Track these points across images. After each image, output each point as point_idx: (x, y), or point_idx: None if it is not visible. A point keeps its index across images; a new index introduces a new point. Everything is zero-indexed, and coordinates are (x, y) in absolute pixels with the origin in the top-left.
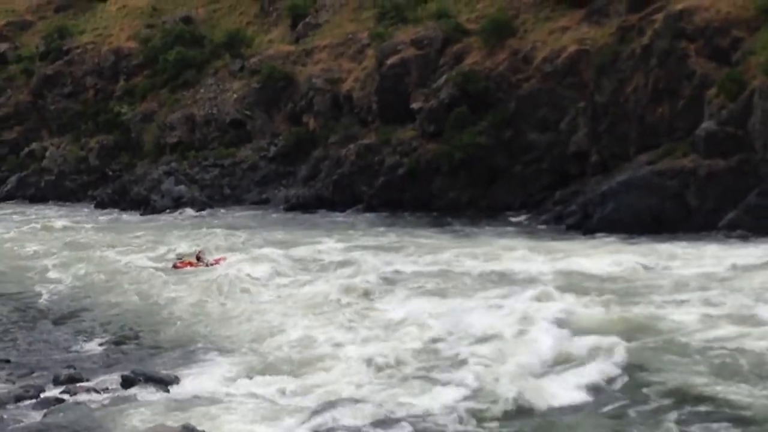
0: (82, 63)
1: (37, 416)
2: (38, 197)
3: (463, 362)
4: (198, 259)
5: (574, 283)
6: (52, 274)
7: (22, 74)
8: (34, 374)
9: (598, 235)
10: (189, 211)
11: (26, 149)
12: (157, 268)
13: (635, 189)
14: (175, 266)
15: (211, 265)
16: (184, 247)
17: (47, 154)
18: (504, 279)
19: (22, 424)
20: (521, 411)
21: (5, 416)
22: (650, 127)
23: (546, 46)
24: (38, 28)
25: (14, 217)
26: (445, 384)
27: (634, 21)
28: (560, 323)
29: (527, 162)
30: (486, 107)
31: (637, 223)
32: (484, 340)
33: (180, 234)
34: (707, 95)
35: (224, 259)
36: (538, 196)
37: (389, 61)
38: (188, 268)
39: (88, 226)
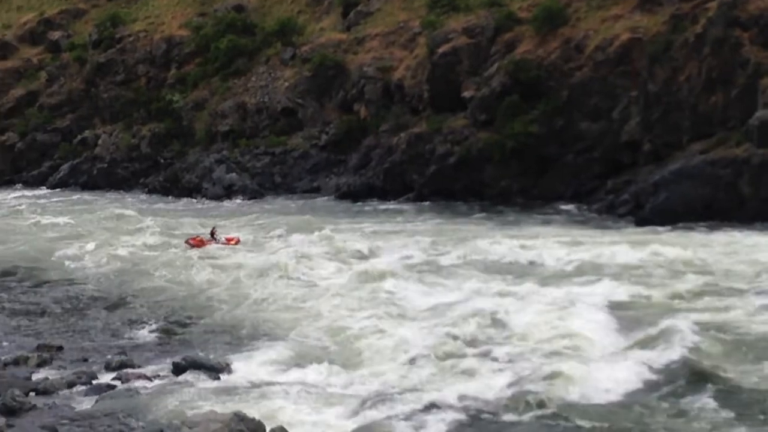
0: (134, 51)
1: (89, 402)
2: (90, 185)
3: (513, 349)
4: (212, 235)
5: (625, 272)
6: (101, 261)
7: (75, 62)
8: (87, 361)
9: (651, 224)
10: (239, 199)
11: (79, 137)
12: (202, 256)
13: (688, 178)
14: (187, 242)
15: (224, 243)
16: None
17: (99, 141)
18: (555, 267)
19: (74, 410)
20: (572, 399)
21: (58, 402)
22: (703, 116)
23: (598, 34)
24: (91, 16)
25: (66, 204)
26: (494, 371)
27: (687, 9)
28: (613, 311)
29: (579, 151)
30: (538, 96)
31: (690, 213)
32: (535, 327)
33: (228, 220)
34: (761, 84)
35: (238, 239)
36: (589, 186)
37: (441, 50)
38: (204, 246)
39: (138, 213)
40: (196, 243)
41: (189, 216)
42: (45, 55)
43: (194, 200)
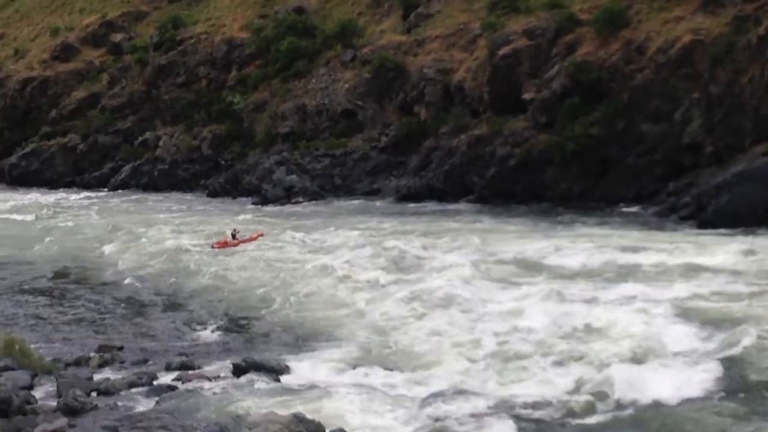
0: (195, 53)
1: (149, 403)
2: (151, 186)
3: (577, 351)
4: (233, 236)
5: (688, 274)
6: (156, 261)
7: (137, 64)
8: (147, 361)
9: (713, 227)
10: (300, 201)
11: (140, 138)
12: (254, 256)
13: (750, 181)
14: (212, 246)
15: (246, 242)
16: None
17: (160, 143)
18: (618, 269)
19: (135, 411)
20: (633, 404)
21: (119, 403)
22: (766, 118)
23: (660, 36)
24: (153, 18)
25: (124, 205)
26: (554, 375)
27: (750, 11)
28: (678, 314)
29: (640, 153)
30: (599, 98)
31: (752, 215)
32: (595, 330)
33: (287, 222)
34: None
35: (262, 234)
36: (650, 188)
37: (501, 52)
38: (229, 247)
39: (195, 214)
40: (221, 245)
41: (246, 216)
42: (107, 57)
43: (253, 202)
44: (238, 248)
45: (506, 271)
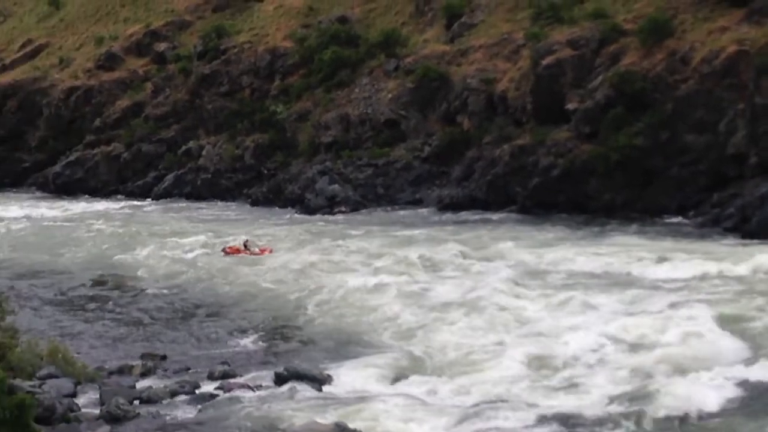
0: (238, 62)
1: (192, 411)
2: (194, 195)
3: (615, 363)
4: (245, 246)
5: (732, 286)
6: (197, 270)
7: (180, 73)
8: (189, 370)
9: (757, 237)
10: (342, 210)
11: (183, 147)
12: (293, 265)
13: None
14: (224, 251)
15: (256, 254)
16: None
17: (204, 152)
18: (661, 280)
19: (177, 419)
20: (677, 415)
21: (161, 411)
22: None
23: (704, 46)
24: (196, 27)
25: (166, 214)
26: (597, 386)
27: None
28: (721, 326)
29: (684, 164)
30: (642, 108)
31: None
32: (638, 342)
33: (327, 231)
34: None
35: (270, 250)
36: (695, 199)
37: (545, 62)
38: (239, 254)
39: (235, 223)
40: (233, 251)
41: (286, 225)
42: (151, 67)
43: (296, 211)
44: (273, 255)
45: (548, 280)
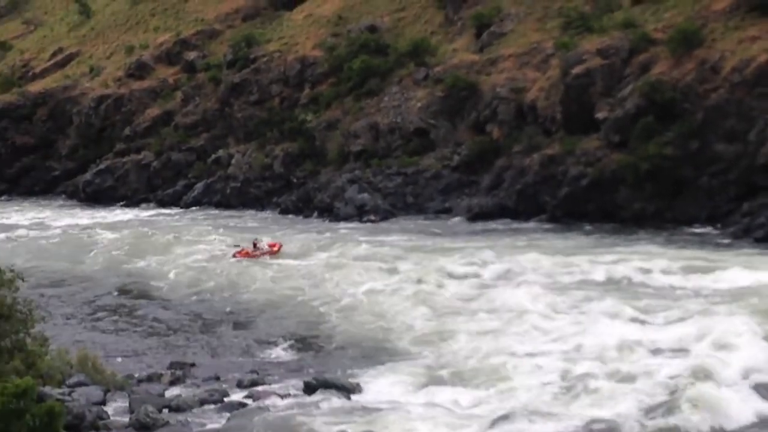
0: (268, 71)
1: (221, 420)
2: (224, 203)
3: (646, 373)
4: (254, 246)
5: (762, 296)
6: (224, 279)
7: (210, 82)
8: (218, 378)
9: None
10: (372, 219)
11: (213, 156)
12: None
13: None
14: (234, 256)
15: (265, 253)
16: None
17: (233, 161)
18: (692, 290)
19: (206, 428)
20: (709, 428)
21: (190, 419)
22: None
23: (735, 55)
24: (226, 36)
25: (195, 222)
26: (626, 396)
27: None
28: (752, 337)
29: (714, 173)
30: (672, 118)
31: None
32: (669, 352)
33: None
34: None
35: (280, 244)
36: (725, 208)
37: (574, 71)
38: (250, 256)
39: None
40: (243, 255)
41: (315, 234)
42: (181, 75)
43: (324, 220)
44: (297, 264)
45: (576, 289)
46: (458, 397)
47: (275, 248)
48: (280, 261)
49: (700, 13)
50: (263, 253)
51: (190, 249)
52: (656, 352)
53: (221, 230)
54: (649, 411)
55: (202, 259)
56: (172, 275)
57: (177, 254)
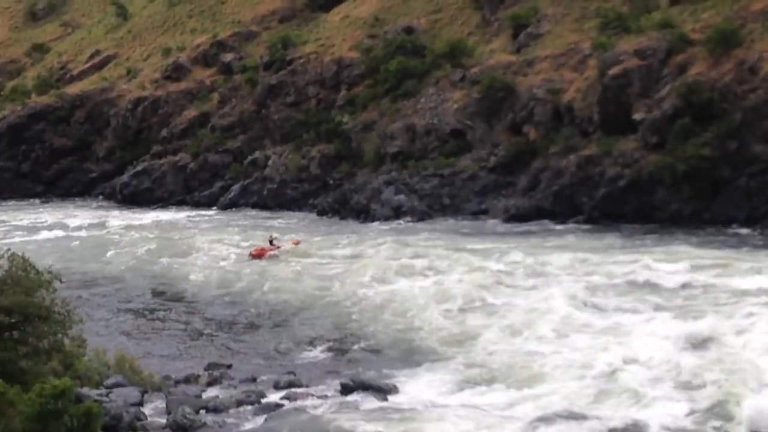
0: (304, 73)
1: (258, 421)
2: (260, 205)
3: (687, 375)
4: (270, 243)
5: None
6: (258, 280)
7: (247, 84)
8: (255, 380)
9: None
10: (408, 220)
11: (249, 157)
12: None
13: None
14: (251, 255)
15: (281, 247)
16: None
17: (270, 162)
18: (732, 292)
19: (243, 429)
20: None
21: (227, 420)
22: None
23: None
24: (263, 38)
25: (228, 224)
26: (666, 397)
27: None
28: None
29: (752, 174)
30: (710, 118)
31: None
32: (711, 353)
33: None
34: None
35: (299, 241)
36: (763, 209)
37: (611, 72)
38: (266, 254)
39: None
40: (258, 253)
41: (350, 235)
42: (217, 77)
43: (360, 221)
44: (330, 264)
45: (615, 291)
46: (494, 398)
47: (292, 243)
48: (311, 261)
49: (738, 13)
50: (278, 248)
51: (223, 250)
52: (692, 352)
53: (257, 231)
54: (692, 413)
55: (235, 260)
56: (205, 276)
57: (211, 255)
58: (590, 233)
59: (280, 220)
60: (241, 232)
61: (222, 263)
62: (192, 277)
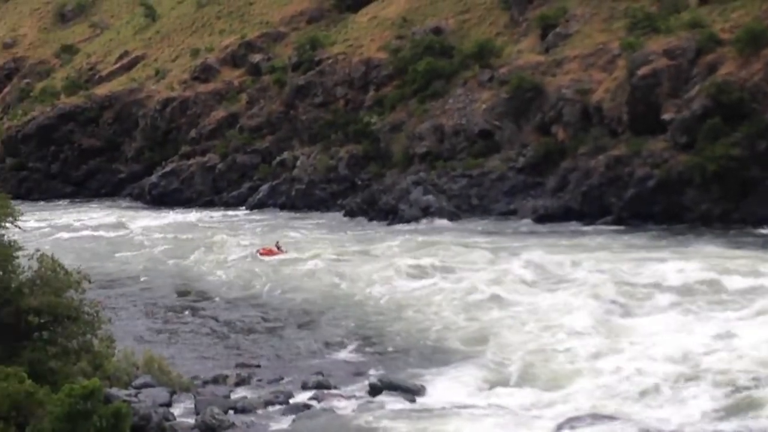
0: (333, 73)
1: (286, 422)
2: (288, 205)
3: (719, 376)
4: (277, 247)
5: None
6: (281, 280)
7: (275, 84)
8: (283, 380)
9: None
10: (436, 221)
11: (278, 158)
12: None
13: None
14: (260, 253)
15: (286, 252)
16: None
17: (298, 163)
18: (760, 293)
19: (271, 429)
20: None
21: (255, 421)
22: None
23: None
24: (291, 39)
25: (256, 224)
26: (697, 398)
27: None
28: None
29: None
30: (740, 118)
31: None
32: (742, 354)
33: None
34: None
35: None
36: None
37: (640, 72)
38: (274, 255)
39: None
40: (266, 252)
41: (378, 235)
42: (245, 78)
43: (388, 222)
44: (357, 266)
45: (643, 291)
46: (522, 399)
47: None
48: (335, 259)
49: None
50: (284, 252)
51: (248, 250)
52: (722, 352)
53: (282, 232)
54: (724, 414)
55: (259, 260)
56: (229, 276)
57: (237, 256)
58: (619, 234)
59: (308, 221)
60: (268, 233)
61: (247, 263)
62: (216, 277)
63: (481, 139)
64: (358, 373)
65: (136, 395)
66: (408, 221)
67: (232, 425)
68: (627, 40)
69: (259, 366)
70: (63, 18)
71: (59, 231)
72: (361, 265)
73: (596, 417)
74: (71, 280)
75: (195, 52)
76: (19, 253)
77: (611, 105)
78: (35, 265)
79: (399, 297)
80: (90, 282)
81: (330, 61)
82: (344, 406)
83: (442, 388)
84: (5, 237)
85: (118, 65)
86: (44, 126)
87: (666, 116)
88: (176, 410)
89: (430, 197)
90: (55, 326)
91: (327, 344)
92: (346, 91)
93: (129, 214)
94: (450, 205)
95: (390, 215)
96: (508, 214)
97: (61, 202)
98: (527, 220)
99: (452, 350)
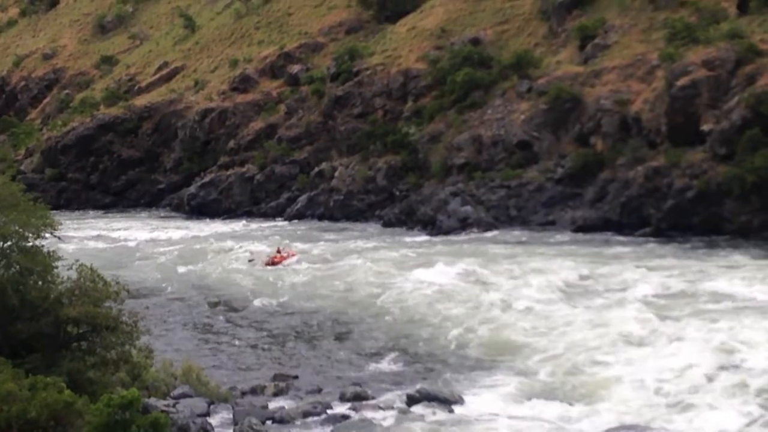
0: (371, 84)
1: None
2: (327, 216)
3: (748, 388)
4: (278, 252)
5: None
6: (317, 291)
7: (314, 95)
8: (321, 391)
9: None
10: (474, 232)
11: (316, 169)
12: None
13: None
14: (270, 262)
15: (285, 258)
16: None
17: (336, 173)
18: None
19: None
20: None
21: (293, 431)
22: None
23: None
24: (329, 50)
25: (295, 235)
26: (729, 409)
27: None
28: None
29: None
30: None
31: None
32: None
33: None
34: None
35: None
36: None
37: (679, 83)
38: (281, 261)
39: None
40: (273, 262)
41: (416, 246)
42: (284, 89)
43: (427, 233)
44: (392, 276)
45: (681, 303)
46: (560, 410)
47: (292, 254)
48: (372, 270)
49: None
50: (285, 258)
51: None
52: (759, 364)
53: (320, 242)
54: (755, 425)
55: (295, 270)
56: (265, 286)
57: (273, 267)
58: (658, 245)
59: (346, 232)
60: (305, 243)
61: (279, 273)
62: (251, 287)
63: (519, 149)
64: (396, 384)
65: (174, 405)
66: (446, 232)
67: None
68: (666, 51)
69: (296, 377)
70: (103, 29)
71: (97, 241)
72: (396, 275)
73: (636, 428)
74: (110, 291)
75: (234, 63)
76: (59, 263)
77: (650, 116)
78: (74, 275)
79: (435, 307)
80: (128, 292)
81: (368, 71)
82: (382, 417)
83: (481, 398)
84: (45, 247)
85: (157, 76)
86: (83, 136)
87: (705, 127)
88: (214, 420)
89: (469, 208)
90: (94, 336)
91: (363, 354)
92: (384, 101)
93: (167, 225)
94: (488, 215)
95: (428, 226)
96: (547, 224)
97: (99, 213)
98: (566, 231)
99: (489, 360)
